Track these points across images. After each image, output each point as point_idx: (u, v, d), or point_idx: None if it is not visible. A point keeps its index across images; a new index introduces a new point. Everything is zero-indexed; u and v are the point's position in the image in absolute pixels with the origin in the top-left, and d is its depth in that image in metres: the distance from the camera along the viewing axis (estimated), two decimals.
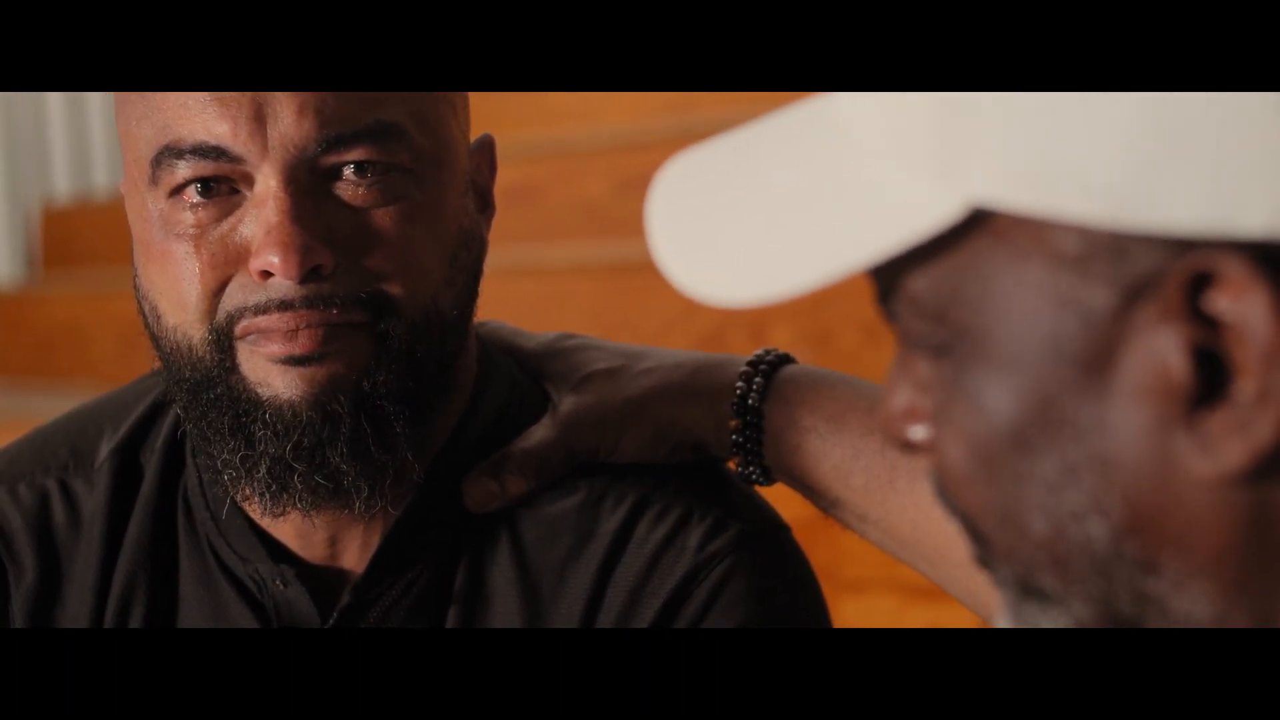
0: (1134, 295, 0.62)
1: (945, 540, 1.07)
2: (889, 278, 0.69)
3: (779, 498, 1.16)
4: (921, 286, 0.68)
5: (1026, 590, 0.70)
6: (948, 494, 0.72)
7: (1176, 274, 0.61)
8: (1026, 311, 0.65)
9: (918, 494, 1.08)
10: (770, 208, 0.69)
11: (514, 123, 3.45)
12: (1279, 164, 0.59)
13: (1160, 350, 0.62)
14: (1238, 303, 0.60)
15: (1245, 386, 0.61)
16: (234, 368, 1.07)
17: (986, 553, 0.71)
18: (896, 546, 1.11)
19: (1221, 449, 0.62)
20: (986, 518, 0.69)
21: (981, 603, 1.07)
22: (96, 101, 5.14)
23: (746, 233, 0.69)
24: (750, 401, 1.12)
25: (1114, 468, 0.64)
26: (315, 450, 1.06)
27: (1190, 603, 0.65)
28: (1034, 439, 0.66)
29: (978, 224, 0.65)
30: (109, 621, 1.15)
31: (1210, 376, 0.62)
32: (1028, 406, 0.66)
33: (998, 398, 0.67)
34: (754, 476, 1.14)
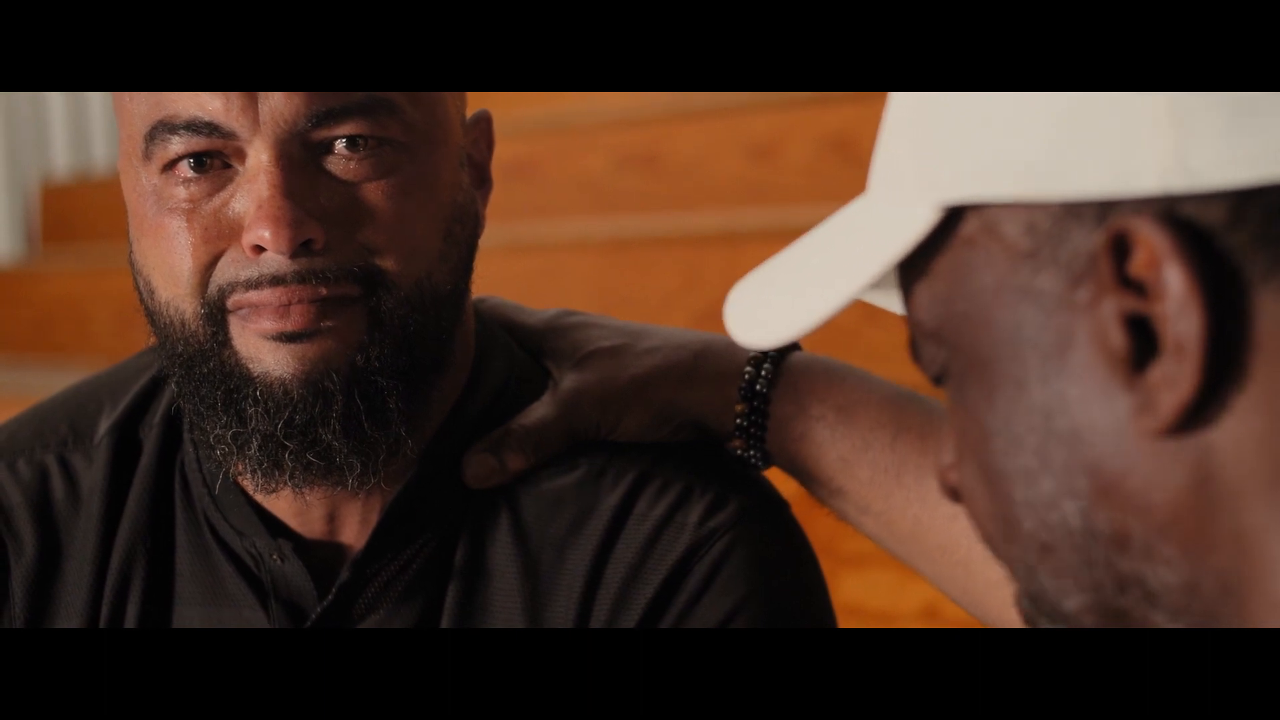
0: (1077, 277, 0.68)
1: (947, 538, 1.08)
2: (909, 317, 0.76)
3: (778, 473, 1.16)
4: (923, 312, 0.74)
5: (1054, 616, 0.73)
6: (979, 530, 0.76)
7: (1101, 242, 0.67)
8: (996, 311, 0.71)
9: (924, 490, 1.09)
10: (797, 264, 0.78)
11: (513, 98, 3.44)
12: (1165, 132, 0.66)
13: (1101, 322, 0.68)
14: (1150, 261, 0.66)
15: (1167, 340, 0.66)
16: (226, 342, 1.06)
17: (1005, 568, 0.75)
18: (894, 542, 1.12)
19: (1158, 404, 0.67)
20: (996, 532, 0.74)
21: (976, 601, 1.08)
22: None
23: (779, 286, 0.78)
24: (758, 387, 1.13)
25: (1077, 443, 0.69)
26: (307, 428, 1.06)
27: (1163, 572, 0.68)
28: (1015, 433, 0.71)
29: (952, 237, 0.72)
30: (108, 597, 1.15)
31: (1145, 339, 0.67)
32: (1008, 404, 0.71)
33: (985, 401, 0.72)
34: (754, 460, 1.14)
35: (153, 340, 1.12)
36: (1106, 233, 0.67)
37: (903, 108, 0.74)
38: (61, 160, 5.32)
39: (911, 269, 0.74)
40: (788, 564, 1.13)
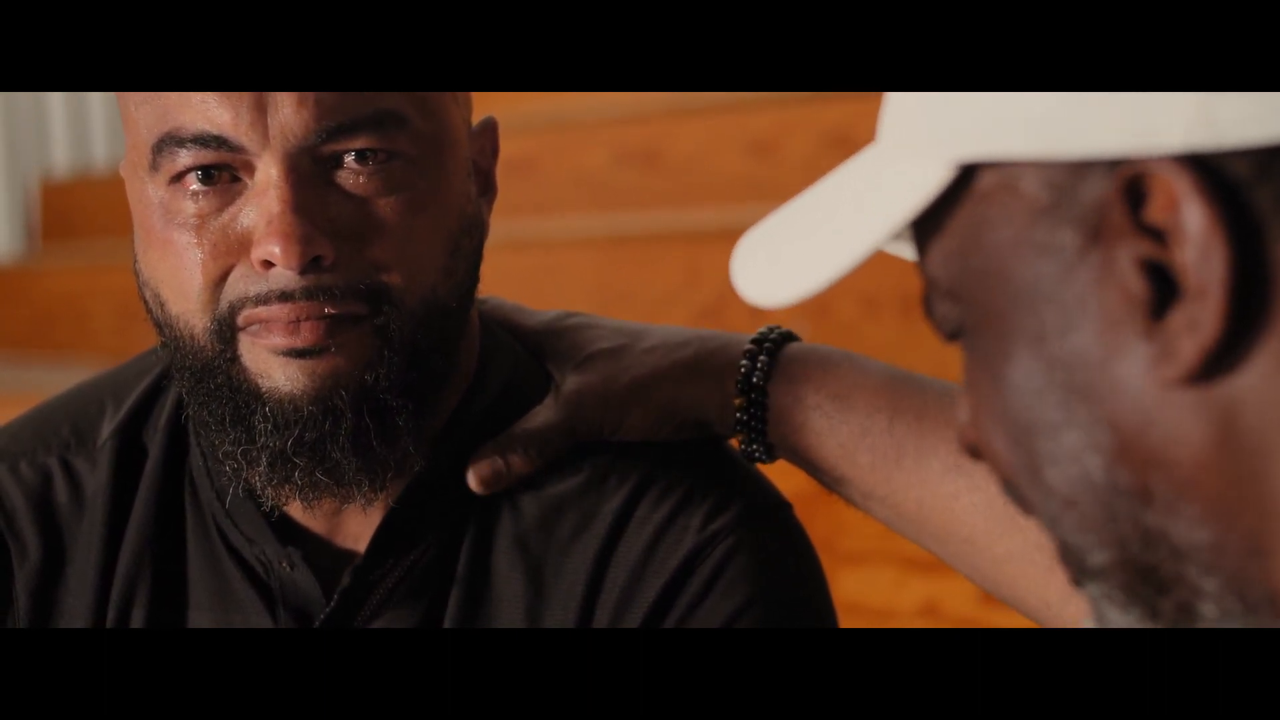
0: (1094, 231, 0.67)
1: (951, 518, 1.08)
2: (922, 273, 0.74)
3: (779, 470, 1.16)
4: (938, 268, 0.73)
5: (1082, 571, 0.72)
6: (1001, 482, 0.74)
7: (1115, 189, 0.65)
8: (1014, 266, 0.69)
9: (924, 471, 1.08)
10: (806, 220, 0.76)
11: (512, 95, 3.44)
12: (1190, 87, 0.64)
13: (1118, 272, 0.66)
14: (1170, 205, 0.64)
15: (1188, 284, 0.65)
16: (235, 358, 1.06)
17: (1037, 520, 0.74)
18: (901, 523, 1.12)
19: (1178, 350, 0.65)
20: (1022, 484, 0.72)
21: (985, 578, 1.08)
22: None
23: (788, 243, 0.76)
24: (755, 380, 1.12)
25: (1097, 398, 0.68)
26: (316, 445, 1.05)
27: (1187, 529, 0.67)
28: (1038, 390, 0.69)
29: (968, 192, 0.70)
30: (114, 602, 1.15)
31: (1163, 287, 0.66)
32: (1029, 359, 0.70)
33: (1007, 358, 0.71)
34: (757, 454, 1.14)
35: (157, 340, 1.11)
36: (1119, 178, 0.65)
37: None
38: (61, 157, 5.32)
39: (925, 224, 0.73)
40: (790, 567, 1.13)
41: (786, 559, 1.12)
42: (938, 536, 1.10)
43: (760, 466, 1.17)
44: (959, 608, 2.09)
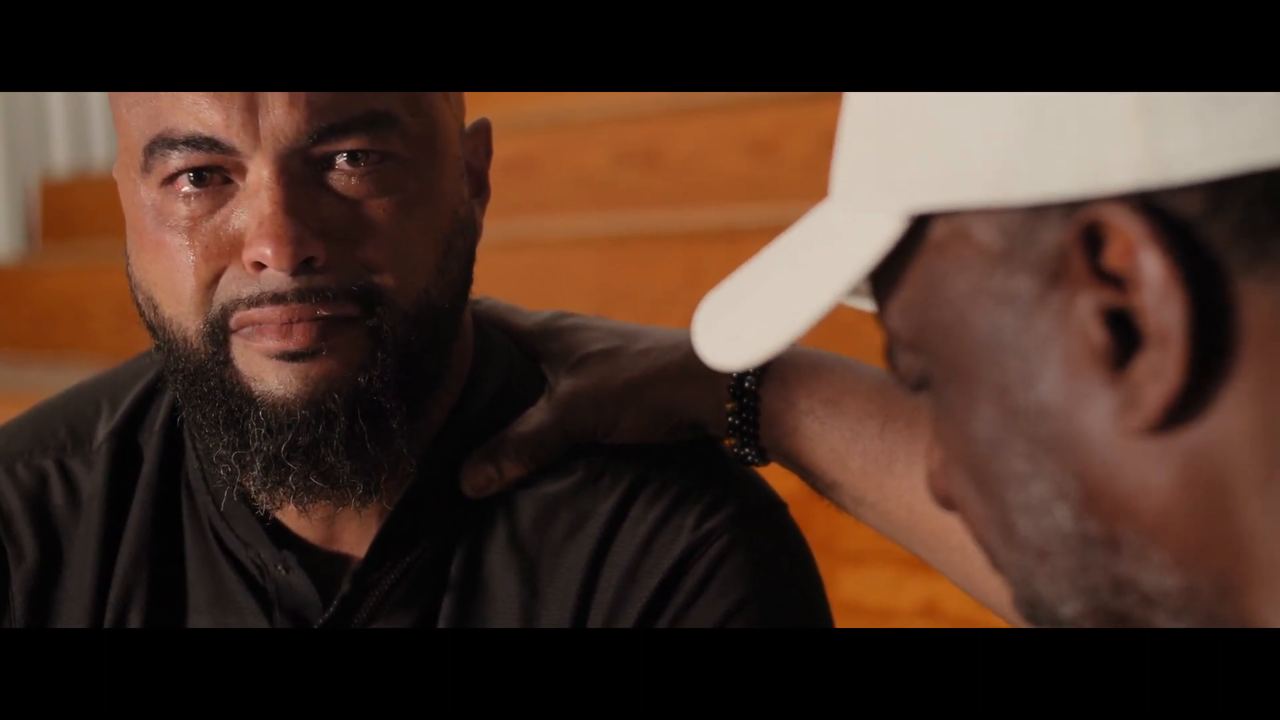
0: (1052, 277, 0.66)
1: (941, 525, 1.08)
2: (882, 325, 0.74)
3: (775, 471, 1.16)
4: (897, 321, 0.72)
5: (1053, 622, 0.71)
6: (973, 536, 0.74)
7: (1071, 236, 0.65)
8: (972, 317, 0.69)
9: (914, 478, 1.08)
10: (763, 279, 0.76)
11: (512, 94, 3.44)
12: (1136, 122, 0.63)
13: (1078, 320, 0.65)
14: (1125, 250, 0.64)
15: (1149, 332, 0.64)
16: (228, 361, 1.06)
17: (1000, 572, 0.73)
18: (892, 529, 1.12)
19: (1142, 400, 0.64)
20: (993, 537, 0.72)
21: (976, 586, 1.08)
22: None
23: (748, 304, 0.76)
24: (746, 384, 1.12)
25: (1063, 448, 0.67)
26: (310, 449, 1.05)
27: (1156, 576, 0.67)
28: (1004, 441, 0.69)
29: (922, 244, 0.70)
30: (112, 605, 1.15)
31: (1125, 334, 0.65)
32: (993, 410, 0.69)
33: (968, 408, 0.70)
34: (750, 457, 1.14)
35: (153, 344, 1.12)
36: (1076, 225, 0.64)
37: (862, 111, 0.72)
38: (61, 157, 5.32)
39: (883, 277, 0.72)
40: (784, 567, 1.13)
41: (780, 559, 1.12)
42: (928, 543, 1.10)
43: (756, 467, 1.17)
44: (958, 608, 2.09)
